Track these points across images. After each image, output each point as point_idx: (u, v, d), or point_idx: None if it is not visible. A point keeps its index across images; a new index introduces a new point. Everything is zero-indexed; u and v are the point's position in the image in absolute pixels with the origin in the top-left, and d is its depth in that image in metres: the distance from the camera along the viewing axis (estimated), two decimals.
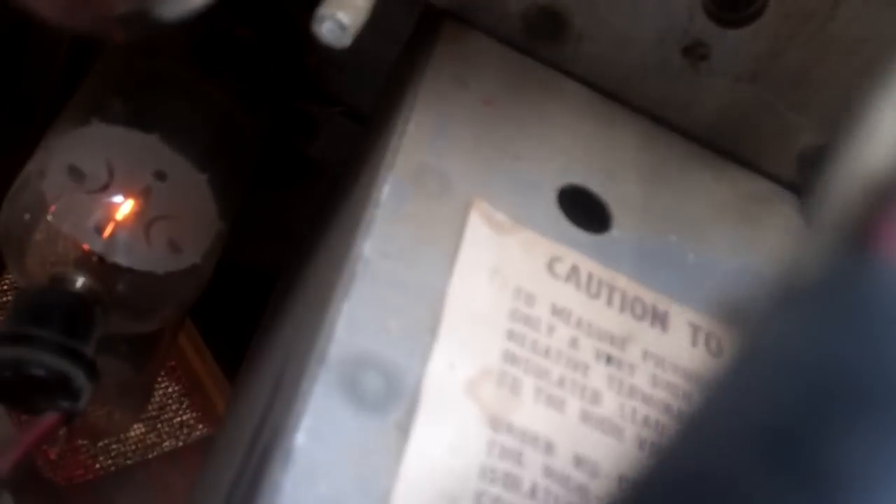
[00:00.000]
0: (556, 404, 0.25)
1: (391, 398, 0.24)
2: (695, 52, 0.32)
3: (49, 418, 0.33)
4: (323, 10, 0.24)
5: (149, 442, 0.77)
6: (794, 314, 0.12)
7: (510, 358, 0.26)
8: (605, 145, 0.33)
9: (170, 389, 0.79)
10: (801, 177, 0.34)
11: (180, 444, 0.77)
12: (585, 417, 0.26)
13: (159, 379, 0.76)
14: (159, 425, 0.78)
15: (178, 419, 0.80)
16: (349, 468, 0.22)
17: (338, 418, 0.23)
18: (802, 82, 0.32)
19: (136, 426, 0.76)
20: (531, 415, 0.25)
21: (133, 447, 0.76)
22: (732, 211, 0.33)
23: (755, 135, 0.34)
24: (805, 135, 0.34)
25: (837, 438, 0.10)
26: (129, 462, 0.73)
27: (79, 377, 0.33)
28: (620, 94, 0.34)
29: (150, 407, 0.77)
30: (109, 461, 0.73)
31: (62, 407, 0.33)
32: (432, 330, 0.25)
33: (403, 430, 0.23)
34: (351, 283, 0.25)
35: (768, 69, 0.32)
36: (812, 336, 0.11)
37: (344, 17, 0.24)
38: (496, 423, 0.24)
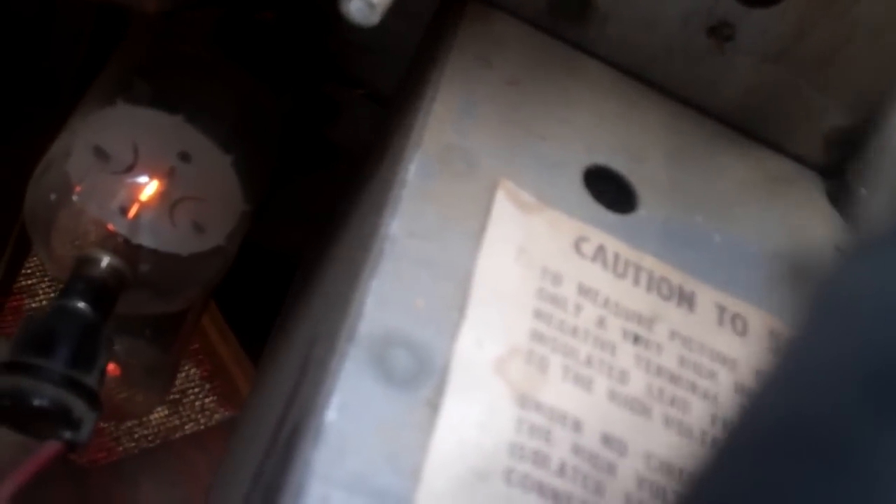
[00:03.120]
0: (584, 383, 0.25)
1: (420, 375, 0.24)
2: (720, 32, 0.32)
3: (50, 447, 0.33)
4: None
5: (171, 425, 0.77)
6: (871, 262, 0.11)
7: (538, 337, 0.26)
8: (631, 126, 0.33)
9: (192, 372, 0.80)
10: (827, 158, 0.34)
11: (202, 427, 0.78)
12: (613, 396, 0.26)
13: (182, 362, 0.77)
14: (181, 408, 0.79)
15: (200, 402, 0.80)
16: (380, 444, 0.22)
17: (368, 395, 0.23)
18: (828, 63, 0.32)
19: (158, 409, 0.76)
20: (559, 393, 0.25)
21: (155, 430, 0.76)
22: (758, 191, 0.33)
23: (781, 115, 0.34)
24: (831, 115, 0.33)
25: None
26: (151, 445, 0.73)
27: (79, 408, 0.33)
28: (645, 75, 0.34)
29: (172, 390, 0.78)
30: (132, 444, 0.74)
31: (64, 437, 0.33)
32: (460, 308, 0.25)
33: (433, 406, 0.23)
34: (379, 261, 0.25)
35: (794, 50, 0.32)
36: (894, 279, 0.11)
37: None
38: (524, 401, 0.24)
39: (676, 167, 0.32)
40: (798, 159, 0.34)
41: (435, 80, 0.31)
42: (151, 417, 0.76)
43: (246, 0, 0.42)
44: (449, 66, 0.31)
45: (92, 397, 0.33)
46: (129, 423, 0.71)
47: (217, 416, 0.79)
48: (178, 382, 0.79)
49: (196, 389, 0.80)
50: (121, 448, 0.74)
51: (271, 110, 0.42)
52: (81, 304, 0.34)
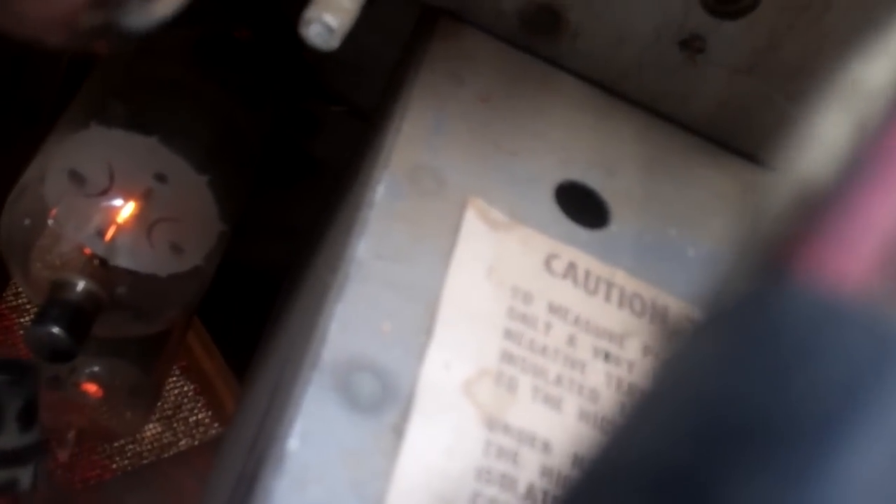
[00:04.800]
0: (554, 403, 0.25)
1: (386, 400, 0.23)
2: (691, 45, 0.32)
3: None
4: (310, 13, 0.24)
5: (165, 441, 0.77)
6: (705, 342, 0.11)
7: (507, 357, 0.26)
8: (604, 139, 0.33)
9: (185, 388, 0.80)
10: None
11: (196, 442, 0.77)
12: (583, 416, 0.25)
13: (174, 379, 0.76)
14: (175, 424, 0.79)
15: (194, 418, 0.80)
16: (343, 472, 0.22)
17: (331, 422, 0.23)
18: (800, 73, 0.32)
19: (151, 426, 0.76)
20: (528, 414, 0.25)
21: (149, 447, 0.76)
22: (732, 203, 0.33)
23: (754, 126, 0.34)
24: (804, 125, 0.33)
25: (731, 480, 0.10)
26: (145, 462, 0.73)
27: (2, 476, 0.33)
28: (618, 89, 0.34)
29: (165, 406, 0.78)
30: (126, 461, 0.74)
31: (8, 495, 0.33)
32: (427, 330, 0.25)
33: (398, 432, 0.23)
34: (344, 284, 0.25)
35: (766, 61, 0.32)
36: (718, 367, 0.11)
37: (331, 19, 0.24)
38: (492, 423, 0.24)
39: (650, 180, 0.32)
40: (772, 169, 0.34)
41: (405, 98, 0.31)
42: (144, 434, 0.75)
43: (222, 19, 0.42)
44: (420, 83, 0.31)
45: (11, 456, 0.32)
46: (121, 441, 0.71)
47: (212, 432, 0.79)
48: (171, 398, 0.79)
49: (190, 405, 0.80)
50: (114, 466, 0.74)
51: (249, 128, 0.42)
52: (56, 330, 0.34)
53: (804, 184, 0.12)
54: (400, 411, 0.23)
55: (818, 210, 0.11)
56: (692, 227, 0.31)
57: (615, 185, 0.31)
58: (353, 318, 0.25)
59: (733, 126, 0.34)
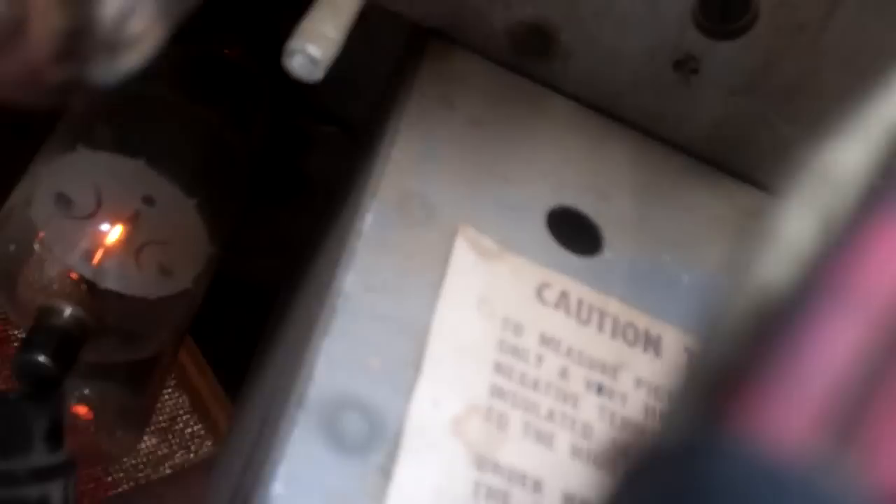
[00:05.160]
0: (545, 439, 0.25)
1: (373, 440, 0.23)
2: (686, 65, 0.32)
3: None
4: (293, 44, 0.24)
5: (160, 454, 0.77)
6: (633, 489, 0.11)
7: (497, 392, 0.25)
8: (597, 163, 0.32)
9: (180, 401, 0.79)
10: None
11: (191, 455, 0.77)
12: (576, 452, 0.25)
13: (169, 392, 0.76)
14: (170, 436, 0.78)
15: (190, 430, 0.79)
16: None
17: (317, 463, 0.22)
18: (797, 94, 0.32)
19: (147, 439, 0.75)
20: (519, 452, 0.24)
21: (144, 460, 0.75)
22: (729, 227, 0.32)
23: (751, 148, 0.33)
24: (802, 147, 0.33)
25: None
26: (141, 475, 0.73)
27: (34, 492, 0.32)
28: (612, 110, 0.33)
29: (160, 419, 0.77)
30: (121, 474, 0.73)
31: None
32: (416, 365, 0.25)
33: (386, 473, 0.23)
34: (331, 318, 0.25)
35: (762, 82, 0.32)
36: None
37: (315, 50, 0.23)
38: (482, 463, 0.24)
39: (644, 205, 0.32)
40: (770, 192, 0.34)
41: (395, 123, 0.30)
42: (140, 448, 0.75)
43: (211, 37, 0.42)
44: (409, 107, 0.31)
45: (42, 473, 0.32)
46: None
47: (208, 443, 0.78)
48: (166, 410, 0.78)
49: (185, 416, 0.80)
50: (110, 479, 0.73)
51: (238, 148, 0.41)
52: (42, 357, 0.33)
53: (762, 289, 0.11)
54: (387, 451, 0.23)
55: (764, 340, 0.10)
56: (687, 252, 0.31)
57: (608, 211, 0.31)
58: (340, 353, 0.24)
59: (729, 147, 0.33)
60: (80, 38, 0.16)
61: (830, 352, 0.10)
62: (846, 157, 0.11)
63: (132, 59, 0.17)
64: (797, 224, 0.11)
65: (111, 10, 0.17)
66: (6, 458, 0.32)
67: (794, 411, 0.10)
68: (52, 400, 0.34)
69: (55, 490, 0.32)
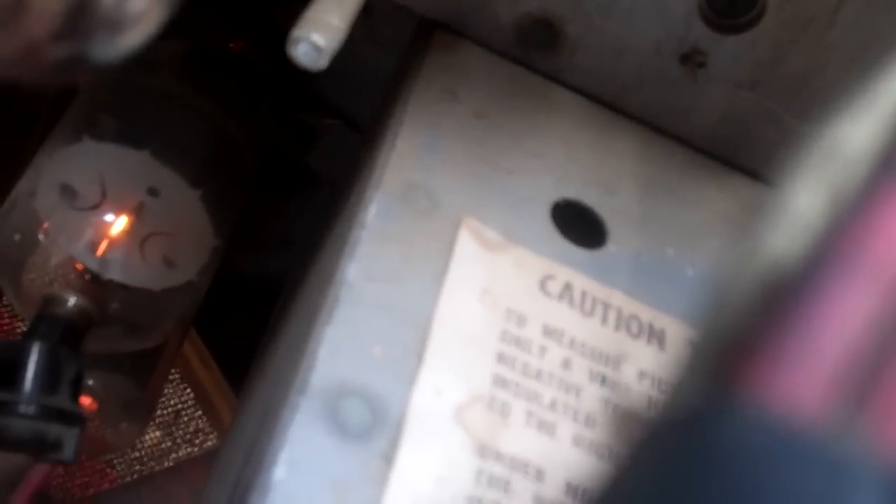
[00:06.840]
0: (548, 429, 0.25)
1: (375, 427, 0.23)
2: (692, 59, 0.32)
3: (38, 471, 0.33)
4: (298, 32, 0.24)
5: (164, 447, 0.77)
6: (646, 465, 0.11)
7: (500, 381, 0.25)
8: (602, 156, 0.32)
9: (185, 395, 0.79)
10: None
11: (195, 450, 0.77)
12: (578, 442, 0.25)
13: (174, 386, 0.76)
14: (175, 430, 0.78)
15: (194, 424, 0.79)
16: (331, 502, 0.21)
17: (319, 450, 0.22)
18: (804, 89, 0.31)
19: (152, 433, 0.76)
20: (521, 441, 0.24)
21: (149, 454, 0.75)
22: (733, 221, 0.32)
23: (757, 142, 0.33)
24: (807, 142, 0.33)
25: None
26: (144, 469, 0.73)
27: (53, 431, 0.33)
28: (617, 104, 0.33)
29: (165, 413, 0.77)
30: (124, 467, 0.73)
31: (49, 458, 0.33)
32: (419, 354, 0.25)
33: (388, 460, 0.23)
34: (334, 307, 0.25)
35: (768, 76, 0.31)
36: (655, 485, 0.10)
37: (319, 39, 0.23)
38: (484, 451, 0.24)
39: (649, 198, 0.32)
40: (775, 187, 0.34)
41: (399, 115, 0.30)
42: (144, 439, 0.75)
43: (216, 30, 0.42)
44: (414, 98, 0.31)
45: (65, 416, 0.33)
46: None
47: (212, 437, 0.78)
48: (171, 403, 0.78)
49: (190, 410, 0.80)
50: (114, 472, 0.73)
51: (243, 140, 0.41)
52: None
53: (772, 261, 0.11)
54: (389, 438, 0.23)
55: (776, 310, 0.10)
56: (691, 246, 0.31)
57: (613, 204, 0.31)
58: (342, 341, 0.24)
59: (735, 142, 0.33)
60: (80, 15, 0.16)
61: (843, 319, 0.10)
62: (855, 132, 0.11)
63: (133, 38, 0.17)
64: (807, 198, 0.11)
65: None
66: (45, 394, 0.32)
67: (807, 377, 0.10)
68: (81, 352, 0.35)
69: (70, 437, 0.33)
